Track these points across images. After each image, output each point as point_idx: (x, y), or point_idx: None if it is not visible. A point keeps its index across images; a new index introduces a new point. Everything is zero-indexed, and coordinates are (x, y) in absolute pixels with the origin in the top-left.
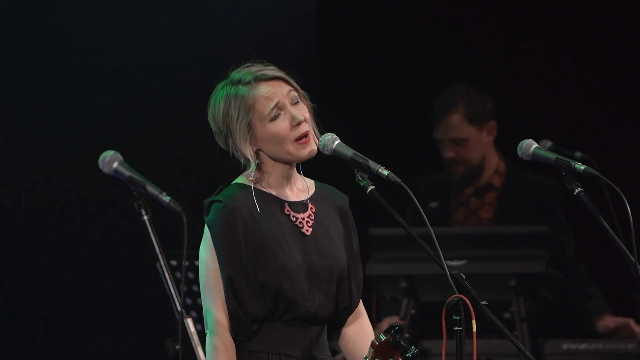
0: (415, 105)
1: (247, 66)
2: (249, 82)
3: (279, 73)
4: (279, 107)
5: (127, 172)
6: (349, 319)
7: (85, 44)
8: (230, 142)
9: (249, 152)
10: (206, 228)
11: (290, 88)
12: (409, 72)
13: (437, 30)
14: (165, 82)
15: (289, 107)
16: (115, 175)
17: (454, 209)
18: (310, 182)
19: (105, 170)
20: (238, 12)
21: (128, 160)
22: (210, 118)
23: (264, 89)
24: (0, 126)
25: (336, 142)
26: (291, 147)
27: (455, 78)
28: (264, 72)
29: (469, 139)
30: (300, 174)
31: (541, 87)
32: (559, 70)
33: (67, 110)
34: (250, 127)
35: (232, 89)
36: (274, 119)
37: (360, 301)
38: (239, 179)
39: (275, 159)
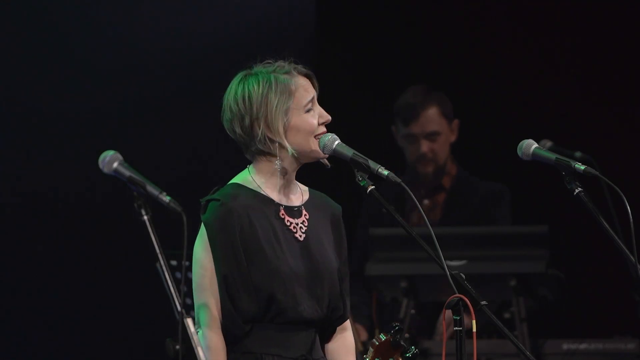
0: None
1: (278, 62)
2: (288, 72)
3: (311, 72)
4: (312, 101)
5: (127, 172)
6: (335, 330)
7: (85, 44)
8: (258, 128)
9: (283, 137)
10: (202, 226)
11: (316, 90)
12: (409, 72)
13: (437, 30)
14: (165, 82)
15: (317, 105)
16: (115, 175)
17: (409, 212)
18: (305, 189)
19: (105, 170)
20: (238, 12)
21: (128, 160)
22: (237, 102)
23: (302, 80)
24: (0, 126)
25: (336, 142)
26: (312, 141)
27: (454, 77)
28: (299, 66)
29: (442, 134)
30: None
31: (541, 87)
32: (558, 70)
33: (67, 110)
34: (287, 112)
35: (270, 76)
36: (308, 111)
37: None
38: (236, 179)
39: (295, 149)
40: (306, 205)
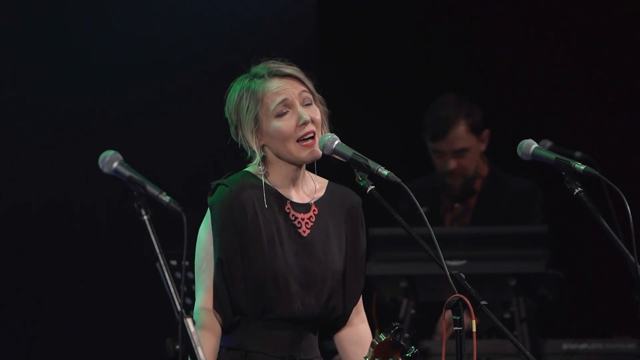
0: (415, 105)
1: (267, 61)
2: (262, 76)
3: (295, 72)
4: (286, 104)
5: (127, 172)
6: (348, 322)
7: (85, 44)
8: (239, 133)
9: (254, 144)
10: (208, 209)
11: (304, 89)
12: (409, 72)
13: (436, 31)
14: (165, 82)
15: (298, 106)
16: (115, 175)
17: (443, 215)
18: (322, 184)
19: (105, 170)
20: (238, 12)
21: (128, 160)
22: (225, 108)
23: (275, 84)
24: (1, 126)
25: (336, 142)
26: (293, 147)
27: (454, 78)
28: (280, 68)
29: (470, 150)
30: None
31: (541, 87)
32: (558, 70)
33: (67, 110)
34: (257, 120)
35: (247, 81)
36: (280, 115)
37: (362, 308)
38: (250, 168)
39: (279, 157)
40: (318, 201)
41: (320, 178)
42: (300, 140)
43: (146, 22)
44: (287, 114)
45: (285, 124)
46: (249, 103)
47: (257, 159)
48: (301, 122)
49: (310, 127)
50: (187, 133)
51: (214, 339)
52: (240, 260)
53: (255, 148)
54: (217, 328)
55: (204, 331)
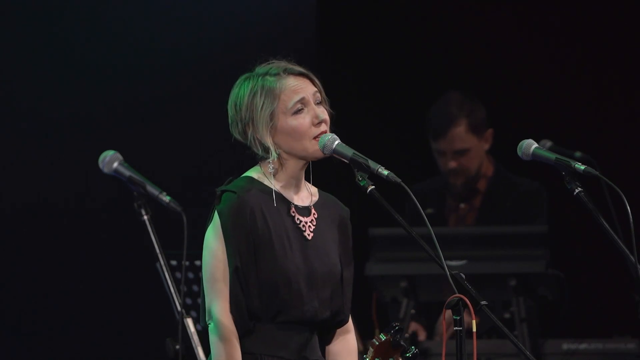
0: (415, 105)
1: (274, 62)
2: (277, 74)
3: (306, 71)
4: (303, 102)
5: (127, 172)
6: (337, 332)
7: (85, 44)
8: (249, 132)
9: (269, 140)
10: (216, 216)
11: (316, 89)
12: (410, 72)
13: (437, 30)
14: (165, 82)
15: (313, 105)
16: (115, 175)
17: (448, 216)
18: (314, 190)
19: (105, 170)
20: (238, 12)
21: (128, 160)
22: (230, 107)
23: (291, 82)
24: (1, 126)
25: (336, 142)
26: (308, 144)
27: (457, 78)
28: (293, 67)
29: (471, 149)
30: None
31: (541, 87)
32: (558, 70)
33: (67, 110)
34: (272, 116)
35: (259, 79)
36: (297, 113)
37: (350, 317)
38: (250, 172)
39: (289, 154)
40: (316, 205)
41: (310, 185)
42: (315, 138)
43: (146, 22)
44: (302, 111)
45: (301, 122)
46: (264, 100)
47: (273, 154)
48: (317, 121)
49: (325, 127)
50: (187, 133)
51: (239, 346)
52: (254, 264)
53: (269, 144)
54: (237, 334)
55: (232, 340)
